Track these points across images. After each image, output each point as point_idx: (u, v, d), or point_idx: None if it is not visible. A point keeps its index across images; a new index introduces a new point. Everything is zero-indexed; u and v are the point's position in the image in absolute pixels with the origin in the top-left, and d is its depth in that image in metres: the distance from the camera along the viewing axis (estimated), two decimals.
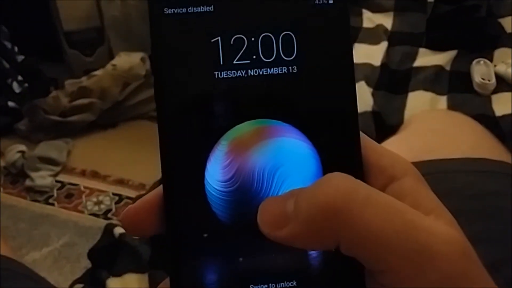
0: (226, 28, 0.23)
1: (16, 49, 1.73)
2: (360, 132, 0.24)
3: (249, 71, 0.23)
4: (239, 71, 0.23)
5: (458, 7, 0.92)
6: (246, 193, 0.23)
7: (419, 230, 0.21)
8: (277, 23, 0.23)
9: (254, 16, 0.23)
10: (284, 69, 0.23)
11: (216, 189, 0.23)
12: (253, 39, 0.23)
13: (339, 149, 0.24)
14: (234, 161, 0.23)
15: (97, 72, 1.71)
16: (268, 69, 0.23)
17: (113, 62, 1.72)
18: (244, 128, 0.23)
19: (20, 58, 1.72)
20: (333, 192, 0.21)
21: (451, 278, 0.21)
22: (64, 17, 1.80)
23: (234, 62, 0.23)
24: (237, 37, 0.23)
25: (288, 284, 0.23)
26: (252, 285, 0.23)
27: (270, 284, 0.23)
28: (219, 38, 0.23)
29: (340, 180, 0.21)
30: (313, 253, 0.23)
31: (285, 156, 0.23)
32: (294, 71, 0.23)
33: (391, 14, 1.03)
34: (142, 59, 1.70)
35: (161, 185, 0.23)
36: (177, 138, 0.23)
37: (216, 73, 0.23)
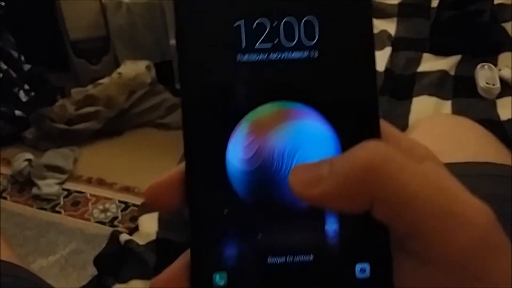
0: (249, 13, 0.23)
1: (22, 58, 1.74)
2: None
3: (270, 54, 0.23)
4: (260, 55, 0.23)
5: (462, 12, 0.92)
6: (266, 172, 0.23)
7: (454, 197, 0.21)
8: (299, 8, 0.24)
9: (277, 1, 0.24)
10: (306, 53, 0.24)
11: (237, 168, 0.23)
12: (275, 23, 0.23)
13: (359, 133, 0.24)
14: (255, 141, 0.23)
15: (103, 81, 1.72)
16: (290, 53, 0.24)
17: (119, 70, 1.73)
18: (265, 110, 0.23)
19: (27, 67, 1.74)
20: (372, 154, 0.21)
21: (481, 243, 0.21)
22: (70, 27, 1.82)
23: (256, 46, 0.23)
24: (259, 22, 0.23)
25: (305, 258, 0.23)
26: (270, 257, 0.23)
27: (287, 257, 0.23)
28: (241, 22, 0.23)
29: (378, 145, 0.22)
30: (331, 229, 0.24)
31: (305, 138, 0.23)
32: (315, 55, 0.24)
33: (394, 20, 1.04)
34: (148, 67, 1.71)
35: (184, 162, 0.24)
36: (200, 118, 0.24)
37: (238, 56, 0.23)
